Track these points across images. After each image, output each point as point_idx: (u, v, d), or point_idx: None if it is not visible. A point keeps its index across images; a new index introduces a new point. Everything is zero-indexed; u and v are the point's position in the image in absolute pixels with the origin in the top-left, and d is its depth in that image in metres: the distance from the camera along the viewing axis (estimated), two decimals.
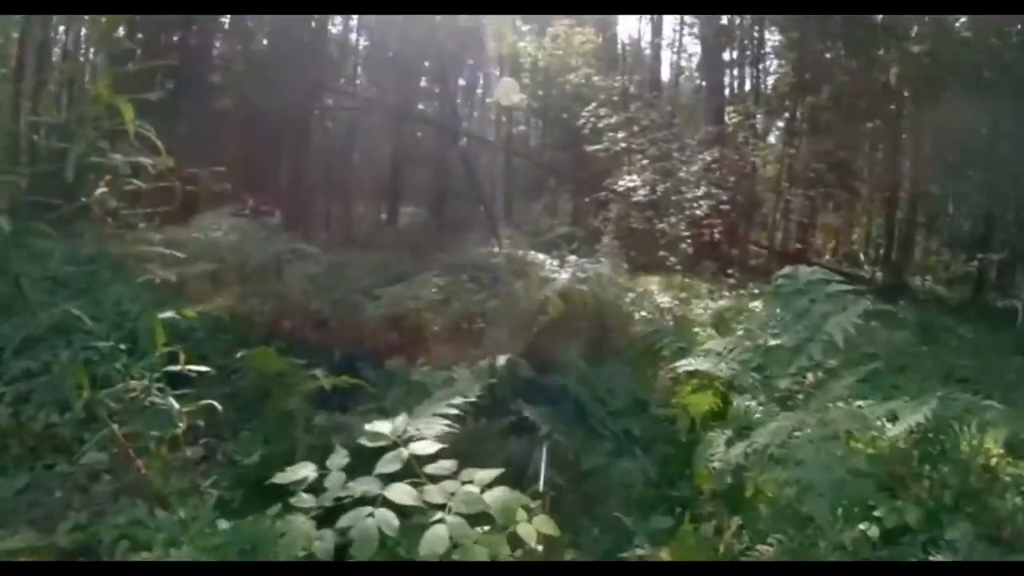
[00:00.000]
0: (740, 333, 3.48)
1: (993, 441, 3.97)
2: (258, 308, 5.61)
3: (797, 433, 2.46)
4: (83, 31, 14.76)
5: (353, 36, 23.99)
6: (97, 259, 5.17)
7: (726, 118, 17.14)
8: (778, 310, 3.22)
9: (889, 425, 3.29)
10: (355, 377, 4.04)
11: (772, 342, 3.05)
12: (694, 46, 22.53)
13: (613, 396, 4.54)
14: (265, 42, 19.22)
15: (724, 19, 18.41)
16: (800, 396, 3.10)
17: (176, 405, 2.49)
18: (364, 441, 2.54)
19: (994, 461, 3.89)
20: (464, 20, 24.22)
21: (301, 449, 3.25)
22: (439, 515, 2.20)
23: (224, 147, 13.31)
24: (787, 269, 3.37)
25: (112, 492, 3.52)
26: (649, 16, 24.39)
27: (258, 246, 5.83)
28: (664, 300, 8.08)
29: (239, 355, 3.52)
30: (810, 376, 3.77)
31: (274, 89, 15.42)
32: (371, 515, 2.15)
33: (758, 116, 17.66)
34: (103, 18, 2.08)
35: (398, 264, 9.12)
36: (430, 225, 18.69)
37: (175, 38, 13.68)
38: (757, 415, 2.97)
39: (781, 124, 18.74)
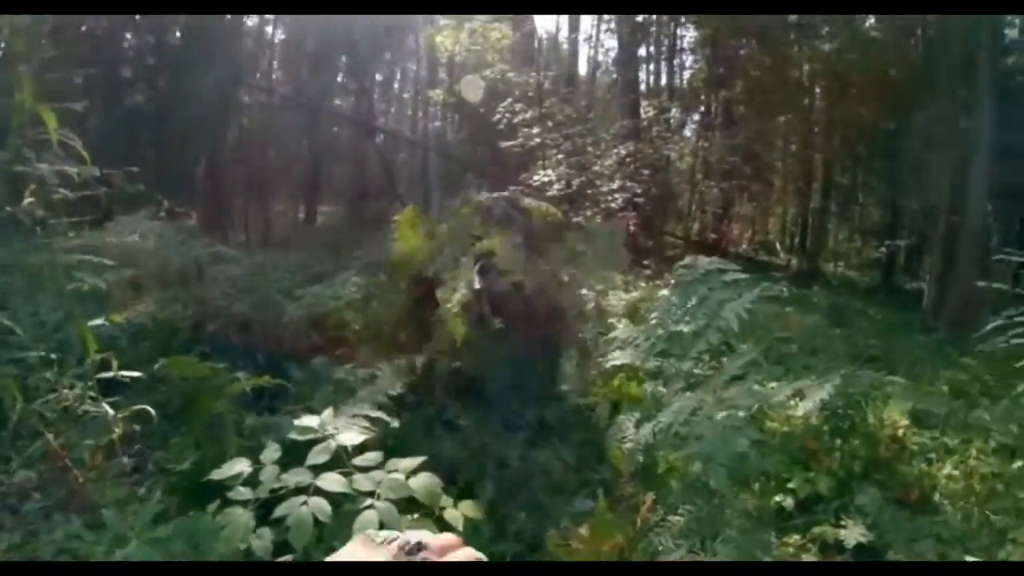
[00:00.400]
0: (653, 322, 3.69)
1: (900, 414, 4.33)
2: (180, 313, 5.61)
3: (698, 411, 2.68)
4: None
5: (269, 29, 23.56)
6: (14, 268, 5.10)
7: (641, 113, 17.53)
8: (675, 299, 3.45)
9: (796, 403, 3.56)
10: (280, 378, 4.11)
11: (673, 328, 3.27)
12: (611, 41, 22.90)
13: (528, 387, 4.73)
14: (178, 34, 18.74)
15: (640, 16, 18.76)
16: (703, 378, 3.33)
17: (112, 411, 2.56)
18: (294, 435, 2.66)
19: (901, 432, 4.26)
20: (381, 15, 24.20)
21: (231, 452, 3.33)
22: (368, 502, 2.33)
23: (136, 145, 12.94)
24: (687, 260, 3.60)
25: (42, 509, 3.55)
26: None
27: (177, 250, 5.79)
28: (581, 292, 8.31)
29: (160, 363, 3.56)
30: (713, 359, 4.05)
31: (188, 84, 15.05)
32: (305, 503, 2.29)
33: (673, 110, 18.16)
34: (28, 20, 2.14)
35: (318, 264, 9.16)
36: (348, 223, 18.60)
37: (82, 28, 13.09)
38: (664, 398, 3.18)
39: (696, 118, 19.22)
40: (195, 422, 3.63)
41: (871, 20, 17.77)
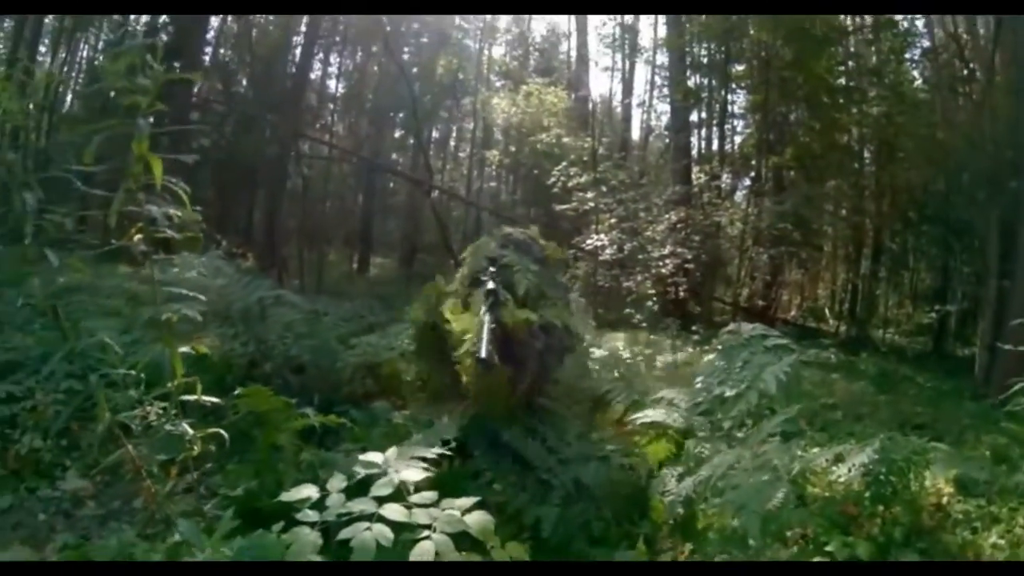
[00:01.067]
0: (698, 384, 3.79)
1: (945, 481, 4.29)
2: (239, 350, 5.82)
3: (736, 466, 2.77)
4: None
5: (332, 83, 24.29)
6: (118, 293, 5.45)
7: (693, 178, 17.68)
8: (719, 362, 3.58)
9: (838, 469, 3.59)
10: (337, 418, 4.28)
11: (717, 390, 3.39)
12: (663, 106, 23.24)
13: (566, 447, 4.76)
14: (244, 82, 19.50)
15: (692, 81, 19.10)
16: (743, 439, 3.41)
17: (191, 431, 2.73)
18: (358, 469, 2.81)
19: (945, 499, 4.21)
20: (440, 73, 24.94)
21: (288, 482, 3.47)
22: (426, 533, 2.47)
23: (199, 187, 13.46)
24: (731, 326, 3.80)
25: (97, 517, 3.73)
26: (621, 77, 25.22)
27: (243, 290, 6.05)
28: (627, 355, 8.37)
29: (235, 392, 3.74)
30: (756, 423, 4.10)
31: (253, 132, 15.64)
32: (368, 529, 2.43)
33: (724, 176, 18.27)
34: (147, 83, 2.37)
35: (370, 314, 9.43)
36: (400, 276, 18.95)
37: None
38: (706, 454, 3.27)
39: (746, 183, 19.25)
40: (261, 451, 3.80)
41: (918, 82, 17.97)
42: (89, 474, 3.15)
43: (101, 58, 18.90)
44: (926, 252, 18.07)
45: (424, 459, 3.31)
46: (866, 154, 18.60)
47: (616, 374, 6.09)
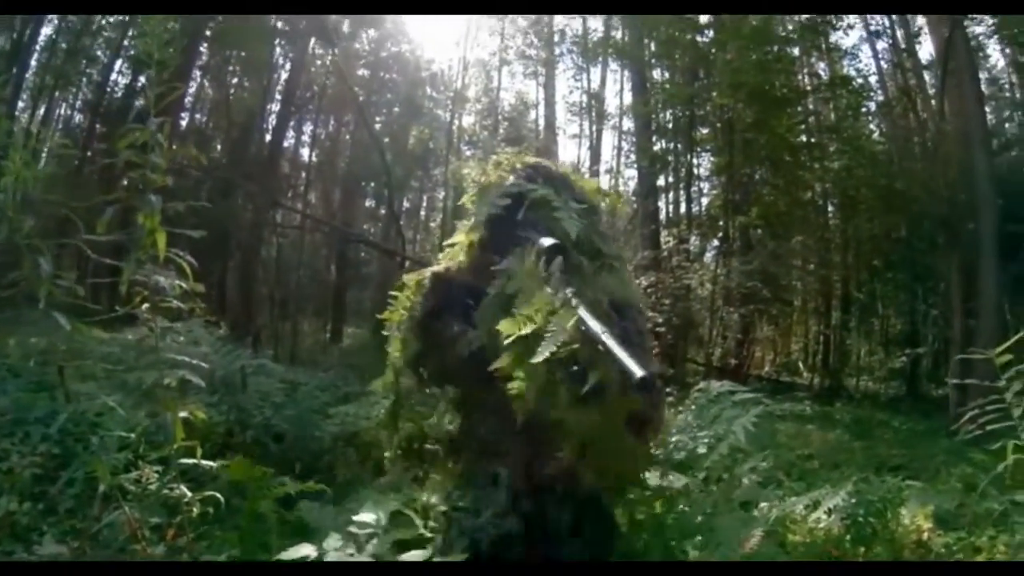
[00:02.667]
0: (671, 443, 3.94)
1: (924, 517, 4.41)
2: (220, 418, 5.85)
3: (711, 509, 2.95)
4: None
5: (305, 152, 24.56)
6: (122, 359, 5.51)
7: (662, 242, 18.01)
8: (690, 419, 3.80)
9: (814, 514, 3.71)
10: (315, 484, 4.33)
11: (690, 446, 3.57)
12: (631, 171, 23.85)
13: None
14: (219, 148, 19.73)
15: (657, 146, 19.68)
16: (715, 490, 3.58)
17: (188, 493, 2.80)
18: (353, 529, 2.89)
19: (925, 535, 4.33)
20: (412, 143, 25.36)
21: (273, 548, 3.51)
22: None
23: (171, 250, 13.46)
24: (701, 384, 4.07)
25: None
26: (588, 144, 25.85)
27: (224, 358, 6.10)
28: None
29: (219, 463, 3.79)
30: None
31: (228, 198, 15.74)
32: None
33: (692, 238, 18.65)
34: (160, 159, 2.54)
35: (345, 384, 9.44)
36: (373, 346, 18.88)
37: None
38: (687, 509, 3.41)
39: (715, 244, 19.62)
40: (244, 518, 3.83)
41: (875, 135, 18.80)
42: (69, 539, 3.15)
43: (79, 117, 19.19)
44: (894, 298, 18.74)
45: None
46: (829, 208, 19.40)
47: None
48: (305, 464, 5.60)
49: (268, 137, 20.08)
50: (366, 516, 2.99)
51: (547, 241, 2.76)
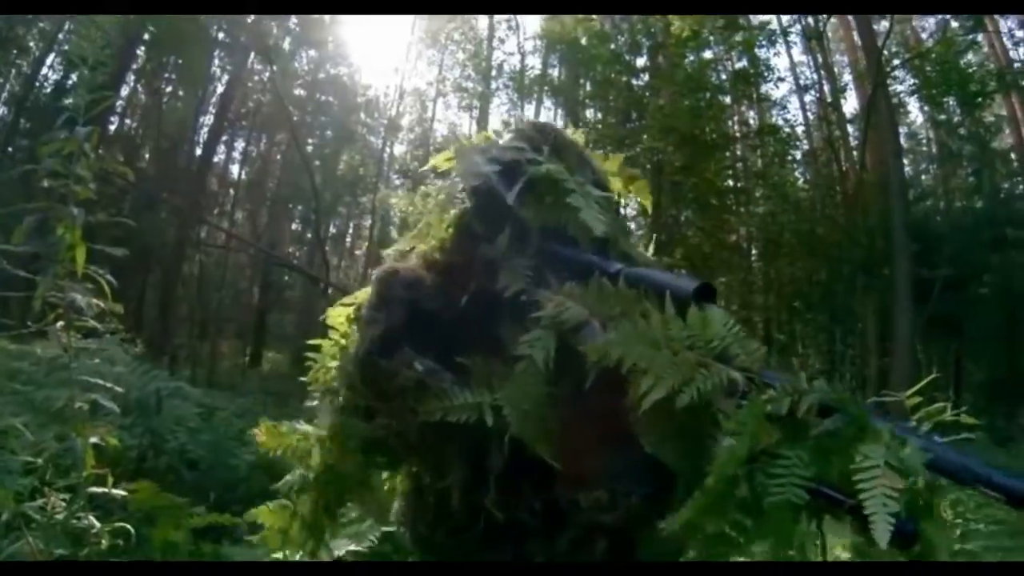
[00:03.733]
0: None
1: (841, 547, 4.48)
2: (132, 442, 5.59)
3: None
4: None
5: (235, 168, 24.10)
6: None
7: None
8: None
9: None
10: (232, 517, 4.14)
11: None
12: None
13: None
14: (147, 156, 19.11)
15: None
16: None
17: (98, 524, 2.62)
18: None
19: None
20: (342, 168, 25.13)
21: None
22: None
23: (93, 264, 12.96)
24: None
25: None
26: None
27: (140, 379, 5.85)
28: None
29: (126, 489, 3.59)
30: None
31: (152, 211, 15.24)
32: None
33: None
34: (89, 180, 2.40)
35: (264, 410, 9.19)
36: (293, 373, 18.52)
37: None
38: None
39: None
40: (154, 550, 3.63)
41: (800, 182, 19.66)
42: None
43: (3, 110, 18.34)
44: (813, 339, 19.43)
45: None
46: (753, 251, 19.93)
47: None
48: (219, 494, 5.38)
49: (198, 151, 19.62)
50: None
51: (690, 282, 1.57)
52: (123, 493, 2.91)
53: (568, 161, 2.05)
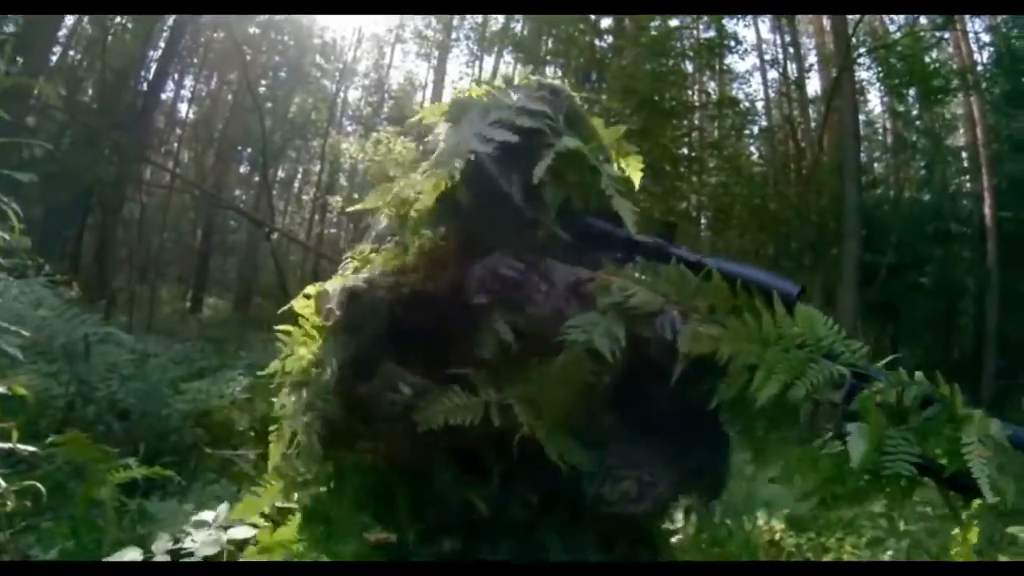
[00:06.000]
0: None
1: (777, 519, 4.62)
2: (59, 390, 5.38)
3: None
4: None
5: (183, 107, 23.35)
6: None
7: None
8: None
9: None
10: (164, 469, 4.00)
11: None
12: None
13: None
14: (91, 92, 18.32)
15: None
16: None
17: (3, 483, 2.48)
18: (187, 529, 2.63)
19: (778, 536, 4.50)
20: (293, 111, 24.53)
21: (108, 541, 3.20)
22: None
23: (25, 201, 12.36)
24: None
25: None
26: None
27: (67, 324, 5.59)
28: None
29: (50, 440, 3.42)
30: None
31: (93, 148, 14.64)
32: None
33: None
34: None
35: (202, 358, 9.00)
36: (235, 319, 18.23)
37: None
38: None
39: None
40: (79, 506, 3.47)
41: (755, 156, 19.83)
42: None
43: None
44: None
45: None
46: (703, 220, 19.99)
47: None
48: (151, 445, 5.20)
49: (145, 86, 18.86)
50: (205, 514, 2.71)
51: (790, 283, 1.57)
52: (30, 449, 2.72)
53: (580, 131, 1.86)
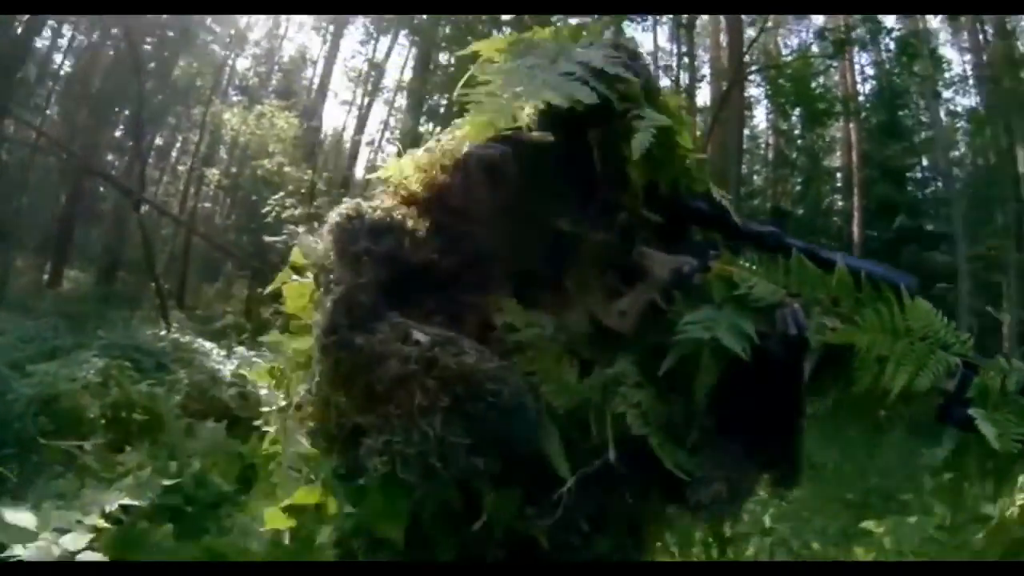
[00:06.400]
0: None
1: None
2: None
3: None
4: None
5: (58, 58, 21.93)
6: None
7: None
8: None
9: None
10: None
11: None
12: (393, 148, 23.58)
13: None
14: None
15: (424, 128, 19.91)
16: None
17: None
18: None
19: None
20: (177, 74, 23.45)
21: None
22: None
23: None
24: None
25: None
26: (357, 113, 25.39)
27: None
28: None
29: None
30: None
31: None
32: None
33: None
34: None
35: (56, 336, 8.60)
36: (96, 295, 17.38)
37: None
38: None
39: None
40: None
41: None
42: None
43: None
44: None
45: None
46: None
47: None
48: None
49: (18, 31, 17.60)
50: (20, 516, 2.56)
51: (909, 277, 1.59)
52: None
53: (654, 104, 1.63)
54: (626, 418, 1.43)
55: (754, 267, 1.56)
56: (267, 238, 15.72)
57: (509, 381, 1.33)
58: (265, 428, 1.82)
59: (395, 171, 1.57)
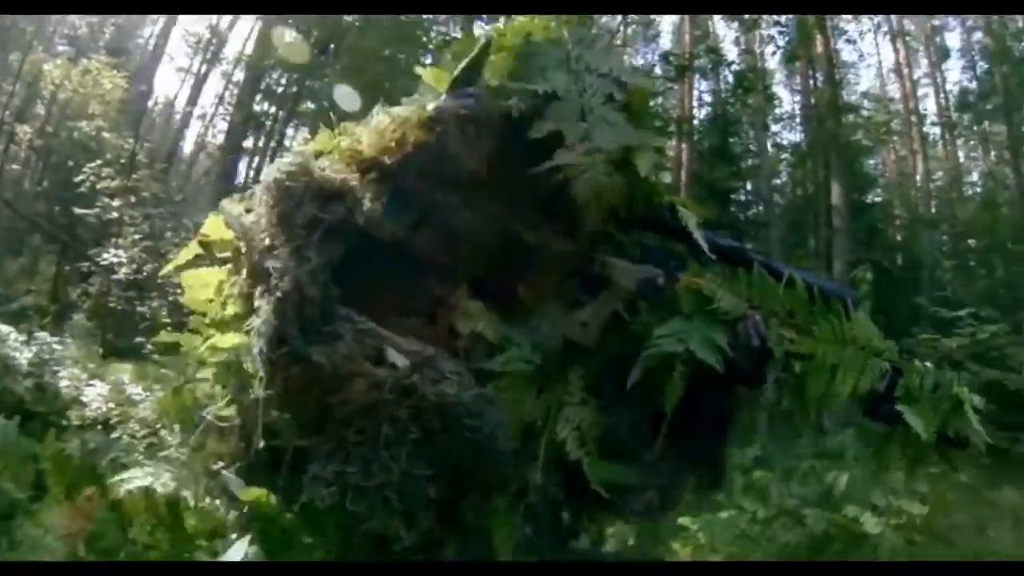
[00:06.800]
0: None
1: None
2: None
3: None
4: None
5: None
6: None
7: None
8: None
9: None
10: None
11: None
12: (225, 124, 22.61)
13: None
14: None
15: (259, 106, 19.81)
16: None
17: None
18: None
19: None
20: None
21: None
22: None
23: None
24: None
25: None
26: (193, 82, 23.76)
27: None
28: (135, 392, 7.59)
29: None
30: None
31: None
32: None
33: None
34: None
35: None
36: None
37: None
38: None
39: None
40: None
41: None
42: None
43: None
44: None
45: None
46: None
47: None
48: None
49: None
50: None
51: (850, 291, 2.18)
52: None
53: (643, 122, 1.89)
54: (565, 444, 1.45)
55: (719, 281, 1.63)
56: (79, 210, 14.43)
57: (487, 417, 1.26)
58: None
59: (327, 144, 1.42)
